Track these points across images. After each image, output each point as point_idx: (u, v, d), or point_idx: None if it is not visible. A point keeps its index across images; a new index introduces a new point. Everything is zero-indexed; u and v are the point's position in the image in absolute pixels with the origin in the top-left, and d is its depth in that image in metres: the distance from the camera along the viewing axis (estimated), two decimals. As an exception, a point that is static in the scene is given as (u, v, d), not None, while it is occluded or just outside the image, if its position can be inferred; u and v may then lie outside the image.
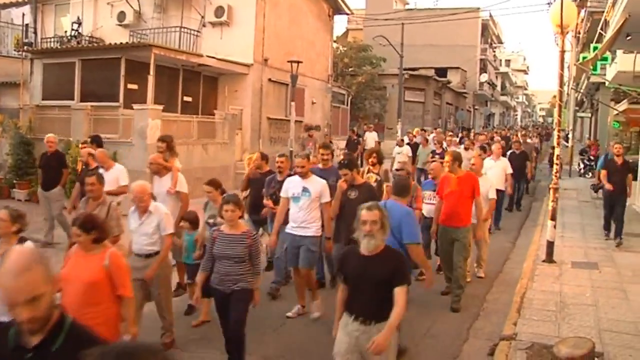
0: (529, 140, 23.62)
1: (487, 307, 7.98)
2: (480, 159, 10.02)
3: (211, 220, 6.97)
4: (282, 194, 7.41)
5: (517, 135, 26.80)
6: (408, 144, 19.28)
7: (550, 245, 10.08)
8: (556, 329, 6.81)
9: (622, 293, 8.28)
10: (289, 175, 8.07)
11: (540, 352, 6.05)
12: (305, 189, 7.17)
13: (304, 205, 7.17)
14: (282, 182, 7.83)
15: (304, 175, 7.22)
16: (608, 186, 11.72)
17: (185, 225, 7.52)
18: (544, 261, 9.98)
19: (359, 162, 21.28)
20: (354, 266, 4.43)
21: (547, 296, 8.10)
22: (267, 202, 8.35)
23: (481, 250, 9.37)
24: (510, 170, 12.98)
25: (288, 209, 7.35)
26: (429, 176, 9.79)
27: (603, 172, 12.04)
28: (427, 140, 18.69)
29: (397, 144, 19.16)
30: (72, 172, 13.91)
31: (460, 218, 7.86)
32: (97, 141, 10.38)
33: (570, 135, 30.26)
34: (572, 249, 11.06)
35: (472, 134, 28.34)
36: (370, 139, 24.48)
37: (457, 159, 8.13)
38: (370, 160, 9.70)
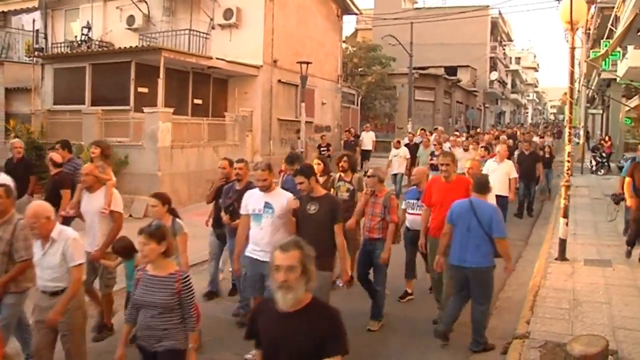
0: (535, 139, 22.79)
1: (500, 305, 7.95)
2: (478, 162, 9.07)
3: None
4: (242, 210, 6.36)
5: (522, 134, 26.01)
6: (407, 145, 18.33)
7: (563, 243, 10.02)
8: (569, 327, 6.77)
9: (635, 290, 8.22)
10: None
11: (553, 351, 6.02)
12: (267, 205, 6.08)
13: (266, 225, 6.05)
14: (241, 192, 6.93)
15: (266, 189, 6.17)
16: (630, 203, 10.06)
17: (109, 263, 6.46)
18: (556, 259, 9.93)
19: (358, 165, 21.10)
20: (267, 327, 3.33)
21: (560, 294, 8.06)
22: (224, 216, 7.39)
23: None
24: (514, 175, 11.96)
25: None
26: (412, 182, 8.63)
27: (628, 181, 10.15)
28: (429, 141, 17.47)
29: (393, 146, 17.41)
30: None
31: None
32: (66, 146, 9.51)
33: (581, 132, 30.05)
34: (585, 247, 10.99)
35: (473, 133, 27.17)
36: (368, 139, 23.68)
37: (455, 161, 7.38)
38: (340, 165, 8.76)
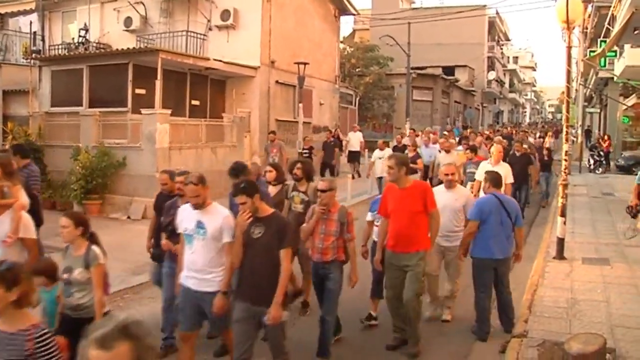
0: (530, 139, 21.44)
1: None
2: (453, 167, 8.05)
3: (65, 276, 4.71)
4: (178, 227, 5.57)
5: (516, 134, 25.23)
6: (395, 147, 17.12)
7: (561, 241, 10.03)
8: (567, 325, 6.78)
9: (633, 289, 8.23)
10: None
11: (551, 349, 6.03)
12: (199, 224, 5.21)
13: (198, 247, 5.21)
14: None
15: (199, 206, 5.25)
16: None
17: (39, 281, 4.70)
18: (554, 258, 9.94)
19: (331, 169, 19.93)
20: None
21: (558, 293, 8.07)
22: (163, 240, 6.31)
23: (452, 282, 7.48)
24: (510, 179, 10.67)
25: None
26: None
27: None
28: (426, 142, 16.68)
29: (378, 147, 16.06)
30: (82, 178, 14.04)
31: (411, 240, 6.25)
32: (20, 151, 8.27)
33: (579, 131, 30.07)
34: (583, 245, 11.01)
35: (465, 134, 24.96)
36: (355, 140, 22.63)
37: (403, 163, 6.41)
38: (293, 173, 7.71)
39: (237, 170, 7.25)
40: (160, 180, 6.98)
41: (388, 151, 15.09)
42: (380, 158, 15.00)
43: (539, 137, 25.89)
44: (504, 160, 11.71)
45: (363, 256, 6.93)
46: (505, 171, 10.16)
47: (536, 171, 15.05)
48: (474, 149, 12.91)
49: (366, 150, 23.28)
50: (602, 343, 5.63)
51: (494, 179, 7.08)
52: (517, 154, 14.17)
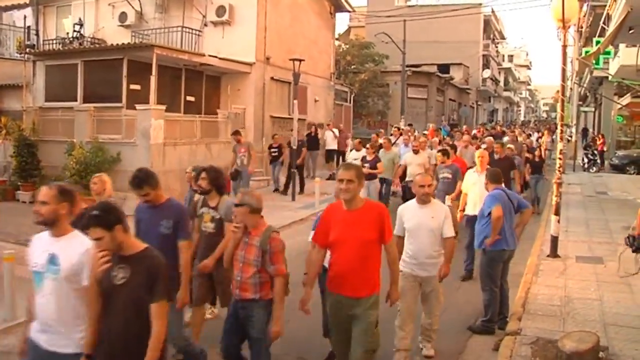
0: (520, 140, 19.58)
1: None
2: (429, 178, 6.20)
3: None
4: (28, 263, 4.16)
5: (513, 132, 22.68)
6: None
7: (555, 240, 10.06)
8: (561, 323, 6.80)
9: (626, 287, 8.26)
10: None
11: (545, 347, 6.04)
12: (52, 258, 3.68)
13: (48, 291, 3.67)
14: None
15: (54, 230, 3.76)
16: None
17: None
18: (548, 256, 9.97)
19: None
20: None
21: (552, 291, 8.08)
22: None
23: (431, 315, 6.11)
24: None
25: None
26: None
27: None
28: (389, 142, 14.99)
29: (355, 147, 15.05)
30: (76, 174, 14.00)
31: (361, 281, 4.62)
32: None
33: (573, 130, 30.14)
34: (577, 244, 11.04)
35: (453, 132, 23.63)
36: (330, 138, 21.69)
37: (362, 176, 4.77)
38: (197, 185, 6.20)
39: (140, 180, 5.22)
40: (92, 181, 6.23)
41: (365, 151, 13.87)
42: (355, 159, 13.55)
43: (527, 135, 25.31)
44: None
45: (304, 286, 4.94)
46: None
47: (520, 176, 13.14)
48: (445, 153, 11.25)
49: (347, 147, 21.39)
50: (596, 341, 5.66)
51: (493, 175, 7.17)
52: (496, 156, 12.29)
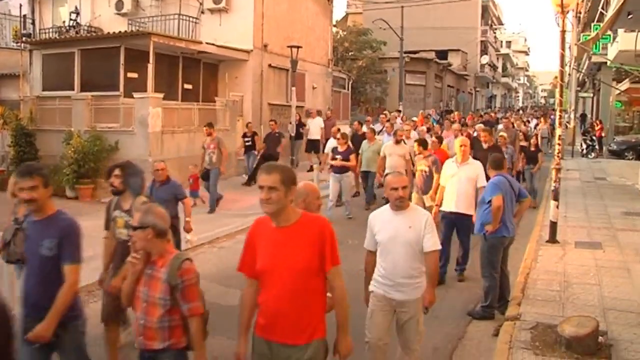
0: (514, 126, 18.20)
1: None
2: (405, 178, 4.86)
3: None
4: None
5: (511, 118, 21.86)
6: (354, 136, 14.87)
7: (554, 225, 10.07)
8: (560, 308, 6.82)
9: (625, 272, 8.28)
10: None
11: (544, 332, 6.07)
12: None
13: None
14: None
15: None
16: None
17: None
18: (547, 242, 9.99)
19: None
20: None
21: (551, 276, 8.10)
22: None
23: (410, 352, 4.79)
24: (482, 183, 7.78)
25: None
26: None
27: None
28: (373, 131, 13.80)
29: (333, 136, 13.70)
30: (74, 163, 13.98)
31: (298, 323, 3.40)
32: None
33: (571, 116, 30.11)
34: (575, 229, 11.06)
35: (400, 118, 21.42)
36: (315, 127, 19.48)
37: (292, 182, 3.40)
38: (110, 183, 5.34)
39: (30, 170, 3.99)
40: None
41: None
42: (335, 147, 12.62)
43: (526, 122, 25.07)
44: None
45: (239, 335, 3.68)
46: (473, 172, 8.00)
47: (513, 167, 12.42)
48: (423, 142, 10.34)
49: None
50: (595, 326, 5.67)
51: (495, 162, 7.10)
52: (484, 145, 11.29)
